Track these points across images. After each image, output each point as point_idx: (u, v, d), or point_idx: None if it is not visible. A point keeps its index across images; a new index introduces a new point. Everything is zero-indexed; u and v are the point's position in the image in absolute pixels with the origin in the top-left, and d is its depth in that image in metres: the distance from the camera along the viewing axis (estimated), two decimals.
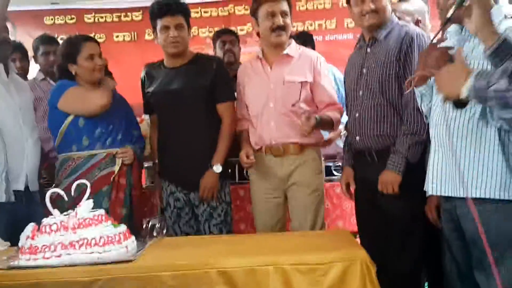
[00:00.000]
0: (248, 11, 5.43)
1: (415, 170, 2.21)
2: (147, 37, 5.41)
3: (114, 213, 2.46)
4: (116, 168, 2.57)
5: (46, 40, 3.63)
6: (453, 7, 1.69)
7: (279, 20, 2.56)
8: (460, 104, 1.69)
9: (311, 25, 5.24)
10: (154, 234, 2.44)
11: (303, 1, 5.33)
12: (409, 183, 2.24)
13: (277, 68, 2.65)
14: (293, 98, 2.59)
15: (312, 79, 2.62)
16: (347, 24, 5.46)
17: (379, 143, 2.36)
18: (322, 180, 2.77)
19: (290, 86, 2.60)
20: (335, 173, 3.46)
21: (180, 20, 2.63)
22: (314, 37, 4.05)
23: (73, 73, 2.61)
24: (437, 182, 1.89)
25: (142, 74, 2.81)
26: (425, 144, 2.22)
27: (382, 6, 2.34)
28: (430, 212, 2.24)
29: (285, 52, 2.64)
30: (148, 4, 5.25)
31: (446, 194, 1.85)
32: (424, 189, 2.02)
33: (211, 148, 2.67)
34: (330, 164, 3.39)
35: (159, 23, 2.62)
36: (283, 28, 2.58)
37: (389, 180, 2.27)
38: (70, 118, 2.55)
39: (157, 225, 2.93)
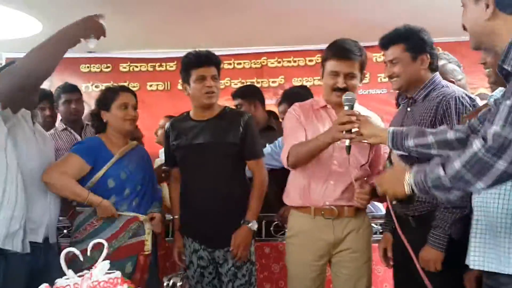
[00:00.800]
0: (281, 64, 5.58)
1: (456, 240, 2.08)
2: (179, 87, 5.47)
3: (137, 278, 2.42)
4: (147, 238, 2.54)
5: (68, 89, 3.65)
6: None
7: (341, 82, 2.38)
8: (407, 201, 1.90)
9: None
10: None
11: None
12: (449, 253, 2.10)
13: None
14: (363, 159, 2.46)
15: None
16: (381, 79, 5.42)
17: (416, 209, 2.23)
18: (370, 243, 2.57)
19: (360, 145, 2.39)
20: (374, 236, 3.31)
21: (215, 72, 2.62)
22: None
23: (104, 121, 2.62)
24: (479, 255, 1.74)
25: (167, 126, 2.78)
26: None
27: (399, 71, 2.30)
28: (469, 283, 2.08)
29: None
30: (182, 54, 5.38)
31: (490, 270, 1.70)
32: (466, 262, 1.88)
33: (237, 205, 2.60)
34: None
35: (195, 73, 2.59)
36: (344, 89, 2.36)
37: (431, 257, 2.14)
38: (99, 175, 2.53)
39: (178, 284, 2.84)
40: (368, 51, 5.27)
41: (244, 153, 2.64)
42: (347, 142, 2.17)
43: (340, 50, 2.40)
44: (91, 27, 2.16)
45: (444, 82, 2.36)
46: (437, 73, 2.36)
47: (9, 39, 4.81)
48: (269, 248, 3.39)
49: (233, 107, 3.06)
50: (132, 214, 2.55)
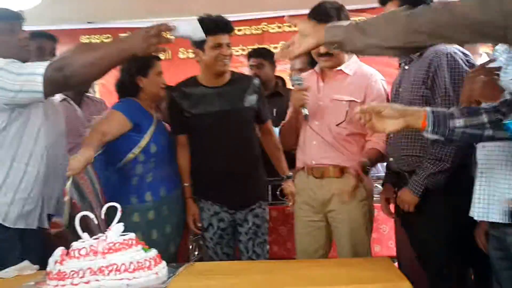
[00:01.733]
0: (281, 29, 5.54)
1: (461, 193, 2.10)
2: (180, 55, 5.44)
3: None
4: None
5: None
6: None
7: (323, 47, 2.33)
8: None
9: None
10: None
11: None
12: (453, 205, 2.13)
13: (329, 85, 2.55)
14: (339, 118, 2.49)
15: (363, 99, 2.47)
16: None
17: (410, 164, 2.27)
18: (366, 207, 2.56)
19: (337, 105, 2.49)
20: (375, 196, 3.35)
21: (229, 39, 2.63)
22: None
23: (141, 86, 2.65)
24: (483, 207, 1.77)
25: (176, 95, 2.72)
26: (467, 168, 2.12)
27: None
28: (479, 238, 2.10)
29: (338, 68, 2.52)
30: None
31: (494, 221, 1.73)
32: (470, 214, 1.91)
33: (256, 166, 2.73)
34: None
35: (211, 40, 2.57)
36: (327, 54, 2.44)
37: (406, 199, 2.23)
38: (146, 140, 2.61)
39: (190, 247, 2.91)
40: (368, 13, 5.29)
41: (261, 116, 2.76)
42: (304, 111, 2.46)
43: (316, 14, 2.40)
44: (153, 44, 2.00)
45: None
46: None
47: None
48: (276, 211, 3.43)
49: (240, 72, 3.03)
50: None
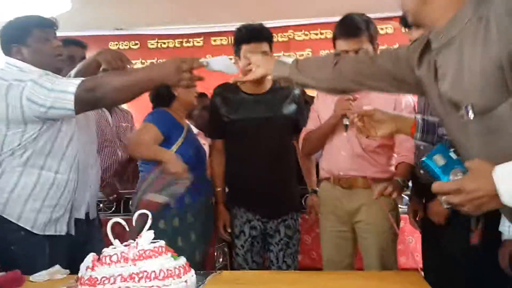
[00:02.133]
0: (308, 37, 5.54)
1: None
2: None
3: None
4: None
5: None
6: None
7: None
8: None
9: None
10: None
11: None
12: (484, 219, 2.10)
13: (358, 95, 2.48)
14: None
15: (393, 109, 2.44)
16: None
17: None
18: (394, 216, 2.53)
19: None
20: (400, 206, 3.32)
21: (266, 47, 2.62)
22: None
23: (176, 95, 2.70)
24: None
25: (216, 99, 2.75)
26: None
27: None
28: (503, 258, 2.06)
29: None
30: (209, 30, 5.34)
31: None
32: (499, 229, 1.89)
33: (292, 176, 2.75)
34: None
35: (245, 49, 2.60)
36: None
37: (437, 211, 2.23)
38: (175, 147, 2.64)
39: (215, 254, 2.92)
40: (396, 21, 5.25)
41: (299, 126, 2.75)
42: (345, 121, 2.40)
43: (346, 28, 2.42)
44: (185, 78, 2.03)
45: None
46: None
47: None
48: (301, 220, 3.42)
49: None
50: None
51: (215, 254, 3.03)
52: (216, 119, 2.74)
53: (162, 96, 2.76)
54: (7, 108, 2.06)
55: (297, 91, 2.80)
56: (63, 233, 2.26)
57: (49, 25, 2.27)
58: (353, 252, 2.60)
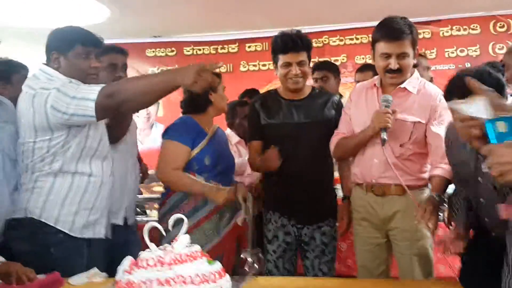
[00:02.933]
0: (343, 42, 5.50)
1: None
2: (242, 68, 5.52)
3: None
4: (241, 220, 2.60)
5: None
6: None
7: (394, 64, 2.34)
8: None
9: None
10: (246, 269, 2.42)
11: None
12: None
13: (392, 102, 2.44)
14: (403, 139, 2.41)
15: (427, 119, 2.40)
16: (448, 54, 5.25)
17: None
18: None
19: (401, 125, 2.40)
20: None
21: (303, 57, 2.60)
22: None
23: (212, 100, 2.69)
24: None
25: (256, 103, 2.74)
26: None
27: None
28: None
29: (402, 85, 2.43)
30: (244, 36, 5.37)
31: None
32: None
33: (328, 182, 2.73)
34: None
35: (281, 59, 2.60)
36: (397, 71, 2.37)
37: None
38: (194, 153, 2.61)
39: (249, 259, 2.90)
40: (434, 26, 5.18)
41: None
42: (383, 135, 2.32)
43: (390, 31, 2.34)
44: (202, 80, 2.05)
45: None
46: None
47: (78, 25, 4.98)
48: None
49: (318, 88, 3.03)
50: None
51: (251, 260, 3.02)
52: (254, 122, 2.73)
53: (198, 102, 2.78)
54: (33, 116, 2.11)
55: (336, 97, 2.78)
56: (102, 236, 2.29)
57: (93, 43, 2.29)
58: (388, 259, 2.55)
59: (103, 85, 2.11)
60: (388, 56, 2.35)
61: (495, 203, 2.07)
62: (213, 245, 2.61)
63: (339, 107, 2.71)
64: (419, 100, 2.42)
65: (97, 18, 4.87)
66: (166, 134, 2.71)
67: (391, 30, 2.34)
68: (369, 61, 5.04)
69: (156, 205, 4.25)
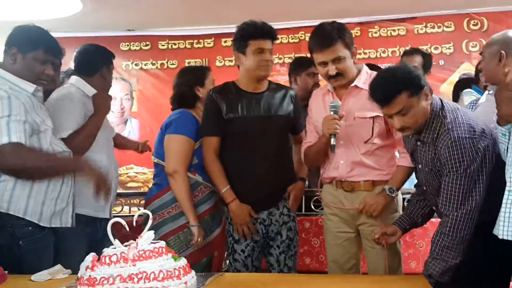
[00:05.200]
0: None
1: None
2: (217, 63, 5.48)
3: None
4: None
5: None
6: None
7: (332, 69, 2.39)
8: None
9: (383, 52, 5.10)
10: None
11: (376, 28, 5.21)
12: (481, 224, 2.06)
13: (347, 103, 2.48)
14: (366, 135, 2.45)
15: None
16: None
17: None
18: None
19: (361, 122, 2.44)
20: None
21: (271, 45, 2.61)
22: (387, 64, 3.91)
23: (199, 96, 2.72)
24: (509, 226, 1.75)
25: (216, 96, 2.62)
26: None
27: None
28: None
29: (353, 84, 2.47)
30: (220, 31, 5.33)
31: None
32: (493, 232, 1.87)
33: (289, 174, 2.72)
34: (405, 197, 3.22)
35: (254, 44, 2.55)
36: (337, 75, 2.41)
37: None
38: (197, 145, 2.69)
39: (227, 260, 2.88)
40: (408, 23, 5.20)
41: (296, 126, 2.74)
42: (332, 141, 2.38)
43: (319, 40, 2.41)
44: (90, 174, 2.18)
45: (445, 111, 2.13)
46: (432, 96, 2.16)
47: (50, 18, 4.89)
48: (309, 222, 3.40)
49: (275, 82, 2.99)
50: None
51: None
52: (215, 116, 2.61)
53: (187, 97, 2.78)
54: None
55: (292, 91, 2.77)
56: (69, 225, 2.33)
57: (55, 53, 2.32)
58: (358, 253, 2.57)
59: (18, 133, 2.08)
60: (325, 63, 2.40)
61: (433, 189, 2.17)
62: (204, 244, 2.63)
63: (296, 101, 2.72)
64: None
65: (69, 11, 4.79)
66: (169, 129, 2.71)
67: (320, 39, 2.40)
68: None
69: (134, 201, 4.25)
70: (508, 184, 1.85)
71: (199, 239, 2.58)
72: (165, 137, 2.71)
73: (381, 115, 2.38)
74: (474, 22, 5.14)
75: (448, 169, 2.06)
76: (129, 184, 5.21)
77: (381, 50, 5.20)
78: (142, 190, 5.16)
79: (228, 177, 2.60)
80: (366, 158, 2.45)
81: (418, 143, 2.22)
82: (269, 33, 2.59)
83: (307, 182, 3.07)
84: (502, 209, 1.85)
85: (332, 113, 2.40)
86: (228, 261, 2.67)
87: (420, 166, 2.24)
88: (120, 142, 3.21)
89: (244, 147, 2.60)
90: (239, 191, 2.59)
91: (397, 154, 2.57)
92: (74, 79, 2.73)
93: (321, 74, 2.52)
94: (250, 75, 2.61)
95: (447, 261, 2.05)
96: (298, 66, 3.70)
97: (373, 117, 2.43)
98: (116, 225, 1.73)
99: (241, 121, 2.60)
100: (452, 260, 2.04)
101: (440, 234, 2.08)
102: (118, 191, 4.61)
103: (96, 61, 2.74)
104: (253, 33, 2.56)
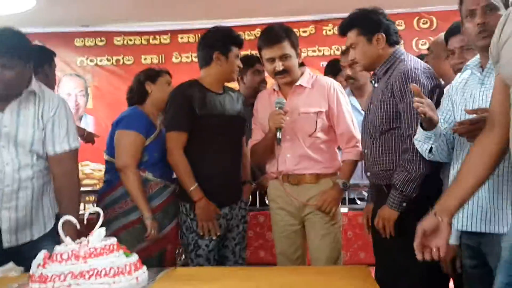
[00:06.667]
0: None
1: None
2: (174, 59, 5.48)
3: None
4: None
5: None
6: None
7: (279, 66, 2.59)
8: None
9: (337, 49, 5.21)
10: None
11: (330, 26, 5.32)
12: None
13: (292, 100, 2.66)
14: (310, 129, 2.62)
15: (327, 107, 2.63)
16: None
17: (386, 178, 2.31)
18: (339, 210, 2.72)
19: (305, 117, 2.62)
20: (358, 202, 3.40)
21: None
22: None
23: (148, 91, 2.79)
24: (465, 217, 1.82)
25: (187, 92, 2.65)
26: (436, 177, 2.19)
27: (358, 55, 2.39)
28: (444, 264, 2.12)
29: (297, 83, 2.66)
30: (176, 27, 5.30)
31: (475, 230, 1.78)
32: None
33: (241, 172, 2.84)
34: (354, 193, 3.34)
35: (235, 51, 2.70)
36: (283, 72, 2.60)
37: (385, 216, 2.24)
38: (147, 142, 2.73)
39: (176, 251, 2.94)
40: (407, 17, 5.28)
41: (244, 128, 2.86)
42: (278, 135, 2.56)
43: (267, 37, 2.63)
44: None
45: (404, 55, 2.37)
46: (398, 47, 2.41)
47: (3, 14, 4.79)
48: (263, 216, 3.47)
49: None
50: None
51: (177, 252, 3.06)
52: (186, 111, 2.61)
53: (136, 92, 2.82)
54: None
55: (241, 95, 2.93)
56: None
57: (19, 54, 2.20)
58: (303, 244, 2.71)
59: None
60: (272, 60, 2.60)
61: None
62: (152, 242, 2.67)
63: (243, 103, 2.87)
64: (315, 92, 2.66)
65: (23, 7, 4.70)
66: (119, 125, 2.75)
67: (269, 36, 2.62)
68: (303, 55, 5.16)
69: (90, 198, 4.24)
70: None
71: (152, 231, 2.61)
72: (115, 133, 2.74)
73: (323, 110, 2.62)
74: (424, 20, 5.30)
75: (402, 94, 2.21)
76: (85, 181, 5.16)
77: (335, 47, 5.30)
78: (98, 187, 5.12)
79: (194, 174, 2.63)
80: (311, 151, 2.61)
81: (375, 85, 2.41)
82: (242, 43, 2.77)
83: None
84: None
85: (277, 108, 2.57)
86: (190, 257, 2.70)
87: (371, 106, 2.40)
88: None
89: (212, 145, 2.66)
90: (205, 189, 2.63)
91: (338, 152, 2.75)
92: None
93: (268, 71, 2.70)
94: (223, 77, 2.73)
95: (410, 172, 2.17)
96: (244, 65, 3.75)
97: (317, 113, 2.62)
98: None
99: (211, 118, 2.66)
100: (415, 170, 2.17)
101: (403, 152, 2.21)
102: None
103: (37, 59, 2.70)
104: (237, 41, 2.72)
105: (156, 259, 2.65)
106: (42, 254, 1.75)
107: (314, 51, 5.35)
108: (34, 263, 1.74)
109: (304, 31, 5.38)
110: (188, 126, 2.63)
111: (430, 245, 1.56)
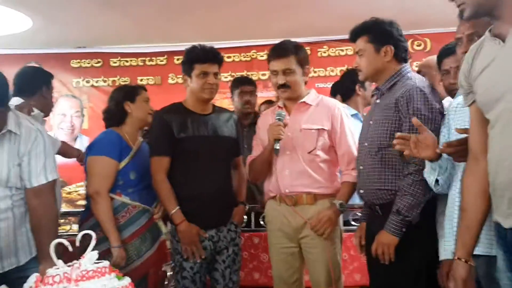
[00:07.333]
0: None
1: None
2: (170, 81, 5.52)
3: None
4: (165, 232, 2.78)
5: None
6: None
7: (281, 79, 2.59)
8: None
9: (332, 71, 5.25)
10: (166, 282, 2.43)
11: (325, 48, 5.37)
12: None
13: (295, 116, 2.66)
14: (310, 146, 2.59)
15: (330, 127, 2.61)
16: None
17: (380, 197, 2.29)
18: (338, 232, 2.68)
19: (307, 134, 2.61)
20: (353, 223, 3.39)
21: (217, 69, 2.69)
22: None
23: (128, 111, 2.74)
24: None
25: (166, 116, 2.67)
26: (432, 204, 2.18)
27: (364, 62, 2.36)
28: (442, 279, 2.10)
29: (302, 100, 2.66)
30: (172, 49, 5.37)
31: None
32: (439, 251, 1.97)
33: (232, 193, 2.79)
34: (348, 214, 3.33)
35: (198, 68, 2.63)
36: (285, 86, 2.60)
37: (384, 242, 2.20)
38: (120, 168, 2.68)
39: (168, 273, 2.90)
40: (352, 45, 5.35)
41: (237, 149, 2.84)
42: (276, 145, 2.54)
43: (275, 50, 2.64)
44: None
45: (411, 73, 2.36)
46: (406, 64, 2.38)
47: (0, 35, 4.83)
48: (258, 238, 3.46)
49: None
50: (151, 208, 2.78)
51: (170, 273, 3.02)
52: (166, 136, 2.64)
53: (115, 113, 2.78)
54: None
55: (235, 116, 2.91)
56: None
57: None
58: (301, 267, 2.67)
59: None
60: (276, 73, 2.59)
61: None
62: (135, 266, 2.65)
63: (237, 124, 2.84)
64: (320, 110, 2.65)
65: (19, 28, 4.73)
66: (91, 150, 2.72)
67: (277, 49, 2.63)
68: None
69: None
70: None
71: (117, 261, 2.53)
72: (87, 159, 2.72)
73: (326, 128, 2.60)
74: (418, 43, 5.36)
75: (408, 113, 2.19)
76: (79, 202, 5.14)
77: (330, 69, 5.35)
78: None
79: (177, 197, 2.63)
80: (310, 168, 2.58)
81: (377, 100, 2.38)
82: (214, 58, 2.68)
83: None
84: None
85: (277, 120, 2.58)
86: (176, 278, 2.68)
87: (371, 122, 2.37)
88: (65, 150, 3.24)
89: (194, 167, 2.65)
90: (189, 211, 2.62)
91: (338, 174, 2.71)
92: (15, 100, 2.70)
93: (272, 83, 2.70)
94: (195, 97, 2.69)
95: (415, 196, 2.15)
96: (232, 86, 3.92)
97: (318, 130, 2.60)
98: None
99: (192, 140, 2.65)
100: (420, 195, 2.14)
101: (409, 174, 2.18)
102: (67, 209, 4.61)
103: (35, 81, 2.74)
104: (198, 57, 2.65)
105: (137, 286, 2.61)
106: (34, 277, 1.73)
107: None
108: (26, 286, 1.72)
109: None
110: (168, 150, 2.65)
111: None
